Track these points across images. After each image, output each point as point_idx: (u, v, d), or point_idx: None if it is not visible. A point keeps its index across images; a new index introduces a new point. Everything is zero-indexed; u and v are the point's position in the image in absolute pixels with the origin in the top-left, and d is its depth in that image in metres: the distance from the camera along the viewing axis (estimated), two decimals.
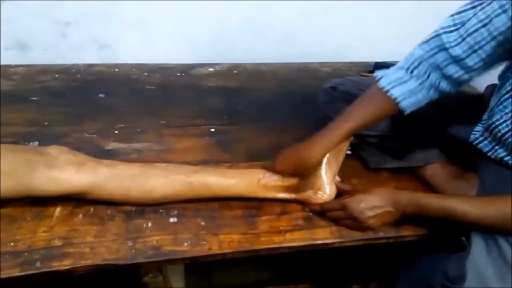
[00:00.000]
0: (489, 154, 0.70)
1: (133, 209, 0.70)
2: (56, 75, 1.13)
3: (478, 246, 0.59)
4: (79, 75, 1.15)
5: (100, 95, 1.06)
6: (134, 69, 1.20)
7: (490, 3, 0.59)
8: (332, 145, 0.69)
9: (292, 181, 0.72)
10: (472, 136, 0.73)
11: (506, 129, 0.64)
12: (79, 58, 1.20)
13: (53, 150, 0.68)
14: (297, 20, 1.24)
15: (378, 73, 0.69)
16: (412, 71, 0.66)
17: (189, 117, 1.00)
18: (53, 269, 0.60)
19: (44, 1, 1.10)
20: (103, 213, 0.69)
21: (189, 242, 0.66)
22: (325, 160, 0.73)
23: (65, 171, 0.65)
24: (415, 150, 0.81)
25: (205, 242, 0.66)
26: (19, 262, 0.59)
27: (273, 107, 1.07)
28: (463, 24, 0.61)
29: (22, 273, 0.58)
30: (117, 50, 1.21)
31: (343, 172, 0.81)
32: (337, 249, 0.71)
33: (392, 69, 0.68)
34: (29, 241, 0.63)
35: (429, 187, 0.79)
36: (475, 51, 0.60)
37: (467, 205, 0.61)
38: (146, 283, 0.86)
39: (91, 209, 0.69)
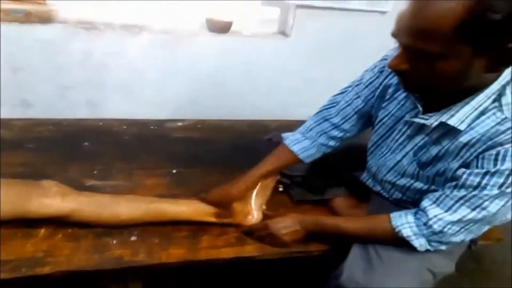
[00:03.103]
0: (373, 189, 0.95)
1: (103, 230, 0.89)
2: (50, 127, 1.32)
3: (354, 252, 0.80)
4: (69, 128, 1.34)
5: (85, 144, 1.25)
6: (115, 123, 1.40)
7: (359, 86, 0.90)
8: (249, 184, 0.93)
9: (227, 209, 0.94)
10: (362, 176, 0.98)
11: (374, 169, 0.90)
12: (71, 114, 1.41)
13: (45, 183, 0.89)
14: (250, 82, 1.54)
15: (284, 135, 0.99)
16: (305, 134, 0.96)
17: (156, 161, 1.20)
18: (35, 273, 0.78)
19: (52, 70, 1.35)
20: (79, 233, 0.88)
21: (144, 255, 0.85)
22: (254, 192, 0.97)
23: (53, 199, 0.85)
24: (328, 187, 1.05)
25: (157, 255, 0.86)
26: (9, 267, 0.78)
27: (228, 155, 1.28)
28: (341, 100, 0.93)
29: (12, 276, 0.77)
30: (103, 108, 1.46)
31: (275, 204, 1.02)
32: (270, 264, 0.90)
33: (294, 132, 0.98)
34: (18, 253, 0.81)
35: (335, 214, 1.01)
36: (346, 120, 0.92)
37: (349, 223, 0.84)
38: None
39: (69, 230, 0.88)
